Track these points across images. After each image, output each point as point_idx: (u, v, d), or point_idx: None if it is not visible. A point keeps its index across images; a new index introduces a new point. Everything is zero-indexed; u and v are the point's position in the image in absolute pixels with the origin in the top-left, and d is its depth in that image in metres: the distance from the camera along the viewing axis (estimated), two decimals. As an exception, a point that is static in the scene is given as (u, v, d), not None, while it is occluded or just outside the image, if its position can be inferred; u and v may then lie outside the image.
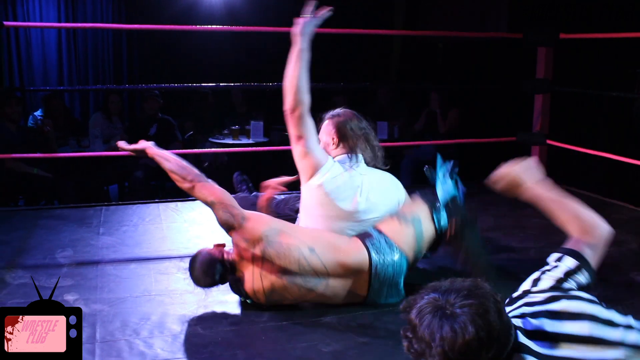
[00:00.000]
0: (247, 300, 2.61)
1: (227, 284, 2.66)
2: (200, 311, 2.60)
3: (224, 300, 2.68)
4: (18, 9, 7.60)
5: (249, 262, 2.54)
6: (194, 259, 2.67)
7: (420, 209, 2.70)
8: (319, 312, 2.55)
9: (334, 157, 2.84)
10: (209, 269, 2.60)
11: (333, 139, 2.86)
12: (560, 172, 5.08)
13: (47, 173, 5.52)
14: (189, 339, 2.36)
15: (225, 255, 2.64)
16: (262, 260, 2.51)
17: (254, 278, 2.53)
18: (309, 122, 2.73)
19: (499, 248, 3.44)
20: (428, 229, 2.68)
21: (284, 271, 2.50)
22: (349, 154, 2.83)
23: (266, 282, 2.52)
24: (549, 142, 5.01)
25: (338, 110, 2.94)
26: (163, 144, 5.55)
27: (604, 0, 5.45)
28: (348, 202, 2.74)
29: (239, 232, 2.56)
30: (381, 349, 2.28)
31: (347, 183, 2.76)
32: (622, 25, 5.03)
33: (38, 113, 6.26)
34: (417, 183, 5.62)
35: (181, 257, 3.20)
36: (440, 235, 2.71)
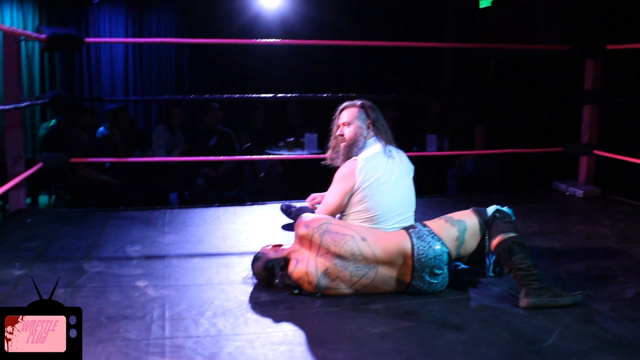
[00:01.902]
0: (295, 291, 2.82)
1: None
2: (259, 298, 2.82)
3: (281, 291, 2.89)
4: (90, 28, 8.14)
5: (307, 248, 2.85)
6: (255, 259, 2.98)
7: (468, 217, 2.92)
8: (367, 300, 2.75)
9: (367, 139, 3.22)
10: (268, 266, 2.90)
11: (368, 123, 3.23)
12: (609, 182, 5.13)
13: (114, 180, 5.91)
14: (249, 319, 2.58)
15: (281, 253, 2.92)
16: (319, 247, 2.81)
17: (309, 262, 2.79)
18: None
19: (543, 251, 3.55)
20: (472, 233, 2.88)
21: (338, 257, 2.77)
22: (378, 137, 3.23)
23: (321, 266, 2.78)
24: (596, 152, 5.06)
25: (362, 100, 3.33)
26: (222, 155, 5.92)
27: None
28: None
29: (303, 221, 2.91)
30: (425, 332, 2.45)
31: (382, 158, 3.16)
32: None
33: (105, 126, 6.71)
34: (462, 193, 5.75)
35: (241, 254, 3.45)
36: (485, 243, 2.88)
